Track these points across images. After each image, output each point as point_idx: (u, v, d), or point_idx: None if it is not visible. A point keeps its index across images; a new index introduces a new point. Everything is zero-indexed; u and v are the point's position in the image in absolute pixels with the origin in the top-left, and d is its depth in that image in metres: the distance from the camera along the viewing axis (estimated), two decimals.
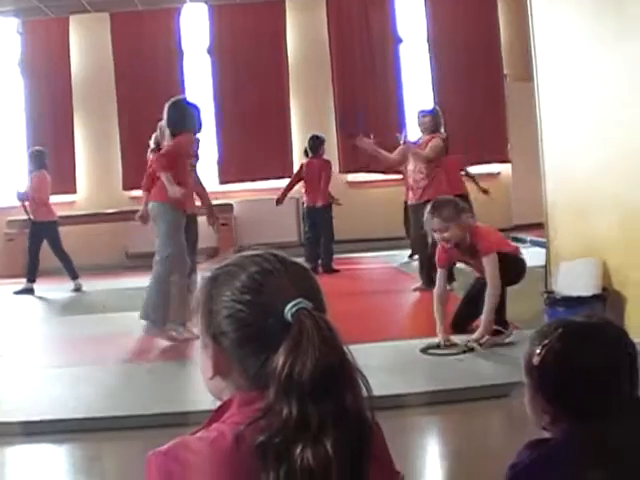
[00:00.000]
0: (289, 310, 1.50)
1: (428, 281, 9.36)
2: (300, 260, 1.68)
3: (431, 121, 9.66)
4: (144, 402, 5.37)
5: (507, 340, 6.10)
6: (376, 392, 1.52)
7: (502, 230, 13.51)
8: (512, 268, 6.21)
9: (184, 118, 7.42)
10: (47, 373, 6.39)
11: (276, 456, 1.42)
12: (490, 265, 6.08)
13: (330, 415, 1.43)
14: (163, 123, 7.70)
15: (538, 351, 1.96)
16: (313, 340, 1.45)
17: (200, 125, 7.65)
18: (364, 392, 1.49)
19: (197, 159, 7.45)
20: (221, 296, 1.58)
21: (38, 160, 12.09)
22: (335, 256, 12.55)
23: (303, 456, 1.40)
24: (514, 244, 6.94)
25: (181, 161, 7.35)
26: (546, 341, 1.96)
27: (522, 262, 6.49)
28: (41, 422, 5.05)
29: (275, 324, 1.51)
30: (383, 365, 5.48)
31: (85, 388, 5.79)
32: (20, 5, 14.26)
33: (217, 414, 1.58)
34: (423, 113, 10.00)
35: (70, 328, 8.84)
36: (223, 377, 1.59)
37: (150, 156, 8.81)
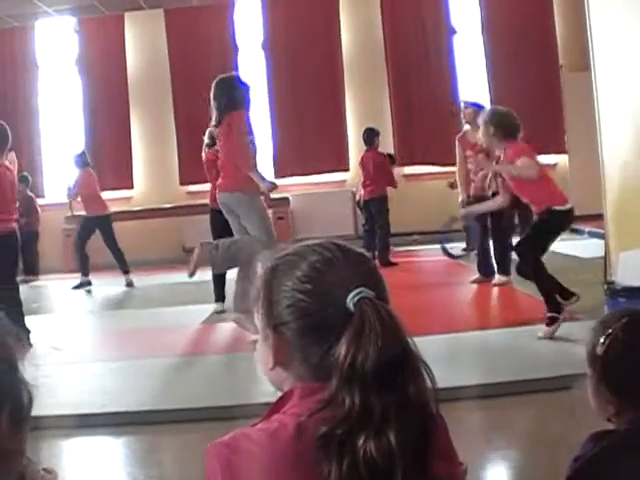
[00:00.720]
0: (351, 299, 1.46)
1: (486, 272, 9.33)
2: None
3: (472, 114, 9.57)
4: (201, 394, 5.39)
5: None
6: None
7: None
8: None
9: (234, 97, 7.28)
10: (105, 366, 6.43)
11: (339, 447, 1.38)
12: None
13: (393, 406, 1.39)
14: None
15: (602, 341, 1.93)
16: (375, 329, 1.42)
17: (249, 103, 7.48)
18: (428, 383, 1.45)
19: (252, 136, 7.27)
20: (282, 286, 1.54)
21: (81, 160, 12.30)
22: (393, 248, 12.52)
23: (366, 447, 1.37)
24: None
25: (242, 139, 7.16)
26: (610, 331, 1.93)
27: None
28: (99, 415, 5.08)
29: (337, 313, 1.47)
30: (442, 357, 5.44)
31: (143, 381, 5.83)
32: (76, 3, 14.38)
33: (278, 405, 1.55)
34: (466, 104, 9.96)
35: (125, 322, 8.93)
36: (284, 368, 1.55)
37: (206, 150, 8.78)
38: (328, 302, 1.49)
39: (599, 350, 1.93)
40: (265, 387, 1.67)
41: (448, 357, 5.60)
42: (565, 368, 4.86)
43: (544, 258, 6.44)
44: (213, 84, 7.36)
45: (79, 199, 12.31)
